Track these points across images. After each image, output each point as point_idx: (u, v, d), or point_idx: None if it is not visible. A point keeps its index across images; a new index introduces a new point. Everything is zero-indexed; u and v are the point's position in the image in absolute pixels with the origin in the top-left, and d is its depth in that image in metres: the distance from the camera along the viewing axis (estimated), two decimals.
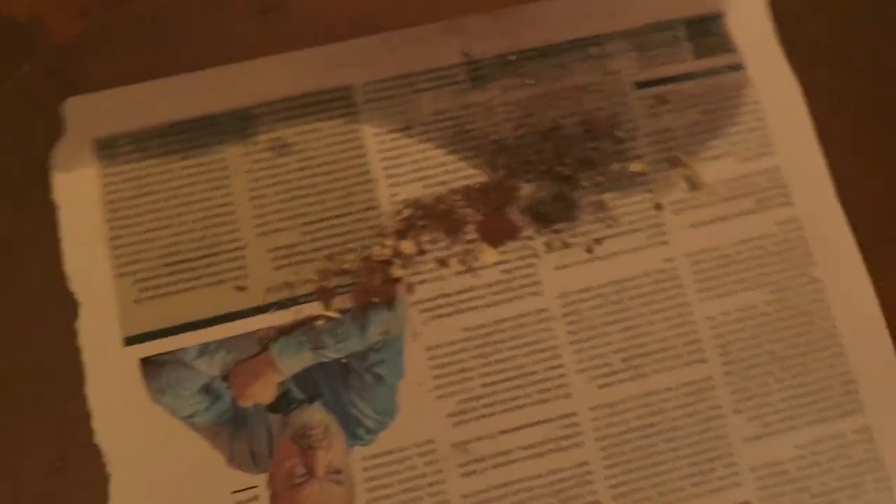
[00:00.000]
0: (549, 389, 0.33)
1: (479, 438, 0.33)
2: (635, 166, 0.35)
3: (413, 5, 0.35)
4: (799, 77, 0.36)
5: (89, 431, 0.32)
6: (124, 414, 0.32)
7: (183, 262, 0.33)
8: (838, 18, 0.37)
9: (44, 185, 0.34)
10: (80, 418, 0.32)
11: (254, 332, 0.33)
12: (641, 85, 0.35)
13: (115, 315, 0.33)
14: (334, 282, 0.33)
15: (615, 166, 0.35)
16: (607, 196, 0.35)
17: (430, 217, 0.34)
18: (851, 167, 0.35)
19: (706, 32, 0.36)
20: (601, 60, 0.36)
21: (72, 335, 0.32)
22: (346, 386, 0.33)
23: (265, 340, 0.33)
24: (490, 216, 0.34)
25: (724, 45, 0.36)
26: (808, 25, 0.37)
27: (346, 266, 0.33)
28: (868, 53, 0.36)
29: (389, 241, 0.34)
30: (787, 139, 0.35)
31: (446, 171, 0.35)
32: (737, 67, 0.36)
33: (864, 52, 0.36)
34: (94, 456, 0.32)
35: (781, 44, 0.36)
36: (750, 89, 0.36)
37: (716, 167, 0.35)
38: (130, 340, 0.32)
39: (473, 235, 0.34)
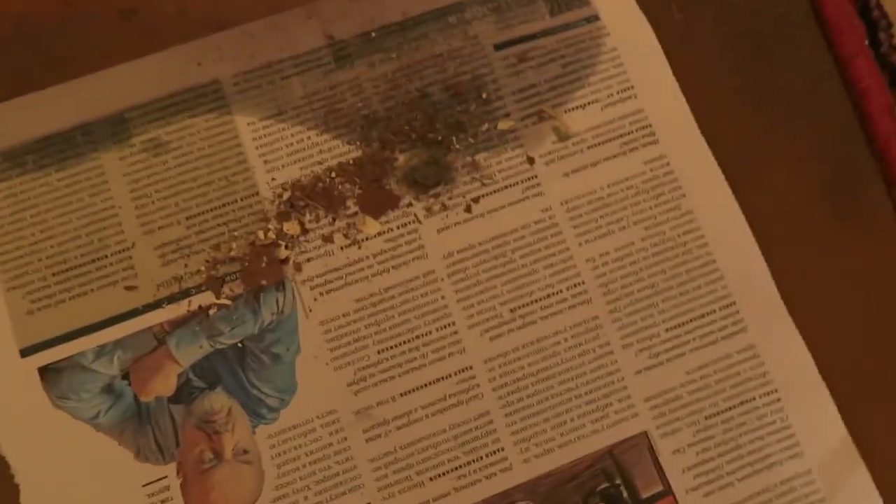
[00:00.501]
0: (443, 348, 0.34)
1: (380, 403, 0.34)
2: (504, 124, 0.36)
3: None
4: (650, 20, 0.38)
5: None
6: (27, 423, 0.32)
7: (71, 269, 0.34)
8: None
9: None
10: None
11: (149, 329, 0.34)
12: (501, 46, 0.37)
13: (8, 328, 0.33)
14: (222, 270, 0.34)
15: (484, 126, 0.36)
16: (480, 156, 0.36)
17: (311, 196, 0.35)
18: (708, 99, 0.37)
19: None
20: (460, 27, 0.37)
21: None
22: (244, 368, 0.34)
23: (161, 335, 0.34)
24: (368, 189, 0.35)
25: None
26: None
27: (233, 253, 0.34)
28: None
29: (273, 225, 0.35)
30: (646, 81, 0.37)
31: (321, 151, 0.36)
32: (592, 19, 0.38)
33: None
34: (1, 468, 0.32)
35: None
36: (606, 38, 0.37)
37: (581, 116, 0.37)
38: (26, 352, 0.33)
39: (354, 209, 0.35)
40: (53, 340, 0.33)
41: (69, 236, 0.34)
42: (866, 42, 0.37)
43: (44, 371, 0.33)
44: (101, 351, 0.33)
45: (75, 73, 0.36)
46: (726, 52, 0.38)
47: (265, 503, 0.32)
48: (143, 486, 0.32)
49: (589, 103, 0.37)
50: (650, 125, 0.37)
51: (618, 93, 0.37)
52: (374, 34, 0.37)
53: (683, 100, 0.37)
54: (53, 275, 0.34)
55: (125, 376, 0.33)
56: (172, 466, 0.33)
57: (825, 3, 0.37)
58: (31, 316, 0.34)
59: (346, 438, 0.33)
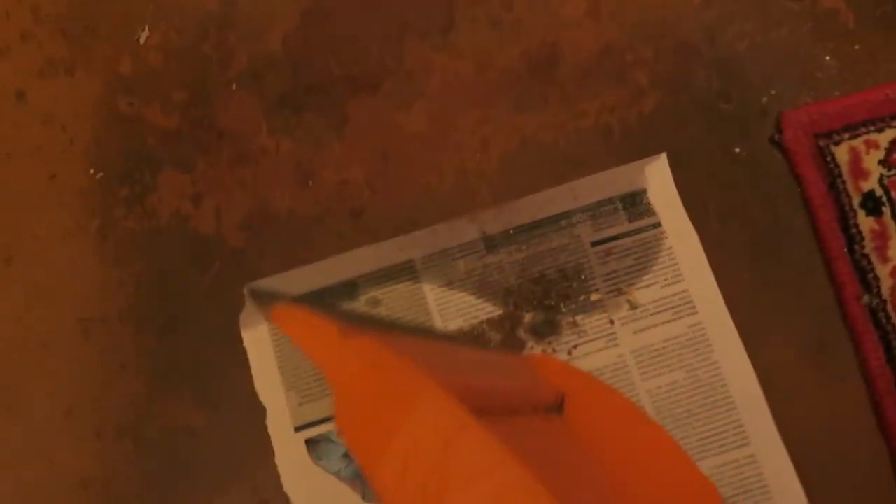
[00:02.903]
0: None
1: None
2: (595, 297, 0.57)
3: (445, 206, 0.58)
4: (696, 227, 0.58)
5: (279, 485, 0.55)
6: (300, 474, 0.56)
7: (322, 379, 0.57)
8: (718, 188, 0.58)
9: (237, 338, 0.58)
10: (273, 477, 0.56)
11: None
12: (595, 243, 0.58)
13: (287, 414, 0.57)
14: None
15: (582, 297, 0.57)
16: (578, 317, 0.57)
17: (469, 340, 0.57)
18: (732, 283, 0.56)
19: (635, 203, 0.58)
20: (568, 229, 0.58)
21: (263, 427, 0.56)
22: None
23: None
24: (506, 336, 0.57)
25: (647, 211, 0.58)
26: (700, 193, 0.58)
27: None
28: (740, 209, 0.58)
29: None
30: (691, 270, 0.57)
31: (477, 309, 0.57)
32: (656, 225, 0.58)
33: (737, 208, 0.58)
34: (284, 499, 0.55)
35: (684, 207, 0.58)
36: (665, 239, 0.58)
37: (646, 293, 0.57)
38: (298, 429, 0.56)
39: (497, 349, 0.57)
40: (314, 423, 0.56)
41: None
42: (845, 250, 0.56)
43: (308, 441, 0.56)
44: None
45: (324, 252, 0.59)
46: (746, 251, 0.57)
47: None
48: None
49: (651, 284, 0.57)
50: (692, 301, 0.57)
51: (671, 277, 0.57)
52: (511, 231, 0.58)
53: (715, 284, 0.57)
54: (314, 381, 0.57)
55: None
56: None
57: (818, 220, 0.57)
58: (300, 407, 0.57)
59: None
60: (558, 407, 0.42)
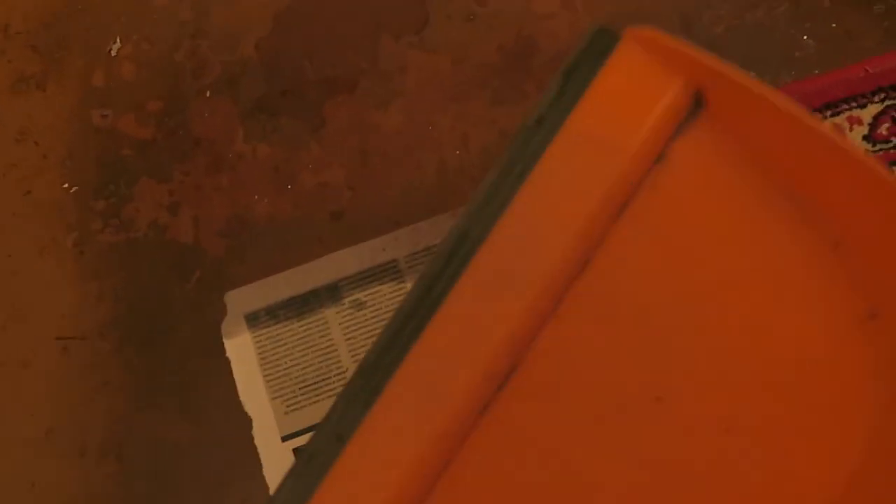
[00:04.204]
0: None
1: None
2: None
3: (428, 204, 0.59)
4: None
5: (267, 497, 0.55)
6: None
7: (309, 386, 0.57)
8: None
9: (220, 348, 0.58)
10: (263, 489, 0.55)
11: None
12: None
13: (274, 423, 0.56)
14: None
15: None
16: None
17: None
18: None
19: None
20: None
21: (249, 438, 0.56)
22: None
23: None
24: None
25: None
26: None
27: None
28: None
29: None
30: None
31: None
32: None
33: None
34: None
35: None
36: None
37: None
38: (285, 438, 0.56)
39: None
40: (301, 431, 0.56)
41: (307, 364, 0.57)
42: None
43: (296, 450, 0.56)
44: None
45: (305, 256, 0.59)
46: None
47: None
48: None
49: None
50: None
51: None
52: None
53: None
54: (300, 389, 0.57)
55: None
56: None
57: None
58: (287, 415, 0.56)
59: None
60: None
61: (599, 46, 0.29)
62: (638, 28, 0.29)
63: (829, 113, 0.59)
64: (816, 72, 0.61)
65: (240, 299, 0.59)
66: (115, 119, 0.63)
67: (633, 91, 0.28)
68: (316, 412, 0.57)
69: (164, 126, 0.63)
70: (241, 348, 0.58)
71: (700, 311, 0.30)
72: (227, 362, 0.58)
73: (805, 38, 0.61)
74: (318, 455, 0.32)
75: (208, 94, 0.64)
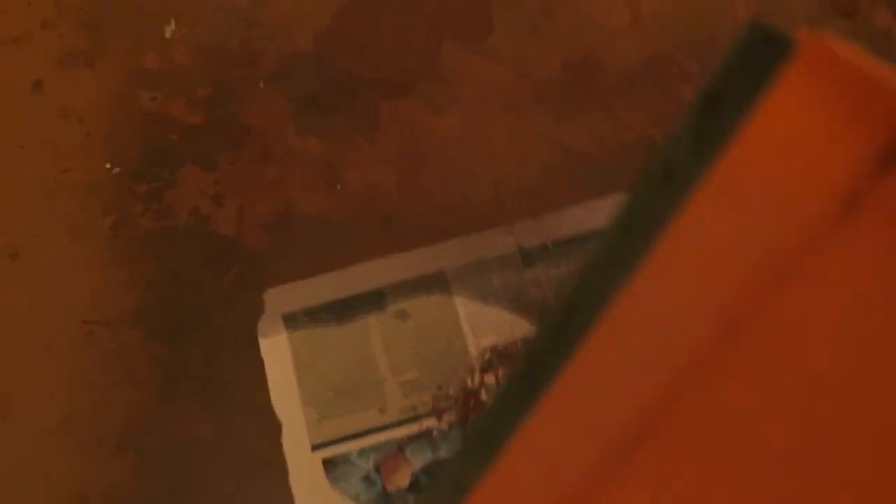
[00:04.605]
0: None
1: None
2: None
3: (479, 217, 0.57)
4: None
5: None
6: (315, 496, 0.53)
7: (345, 393, 0.55)
8: None
9: (253, 346, 0.56)
10: (286, 499, 0.53)
11: (394, 439, 0.54)
12: None
13: (304, 431, 0.54)
14: (443, 404, 0.54)
15: None
16: None
17: (503, 358, 0.55)
18: None
19: None
20: None
21: (278, 445, 0.54)
22: None
23: (401, 444, 0.54)
24: None
25: None
26: None
27: (451, 393, 0.54)
28: None
29: (477, 375, 0.55)
30: None
31: (512, 326, 0.56)
32: None
33: None
34: None
35: None
36: None
37: None
38: (316, 447, 0.54)
39: None
40: (333, 441, 0.54)
41: (345, 371, 0.55)
42: None
43: (326, 462, 0.53)
44: (362, 452, 0.53)
45: (350, 259, 0.57)
46: None
47: None
48: None
49: None
50: None
51: None
52: (550, 245, 0.57)
53: None
54: (334, 396, 0.55)
55: (377, 470, 0.53)
56: None
57: None
58: (319, 423, 0.54)
59: None
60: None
61: (759, 59, 0.20)
62: (819, 36, 0.20)
63: None
64: None
65: (279, 298, 0.57)
66: (164, 102, 0.62)
67: (815, 134, 0.20)
68: (349, 423, 0.55)
69: (214, 113, 0.62)
70: (276, 349, 0.56)
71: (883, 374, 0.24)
72: (259, 362, 0.56)
73: None
74: None
75: (261, 84, 0.62)
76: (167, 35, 0.64)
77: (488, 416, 0.28)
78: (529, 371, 0.27)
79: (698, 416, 0.26)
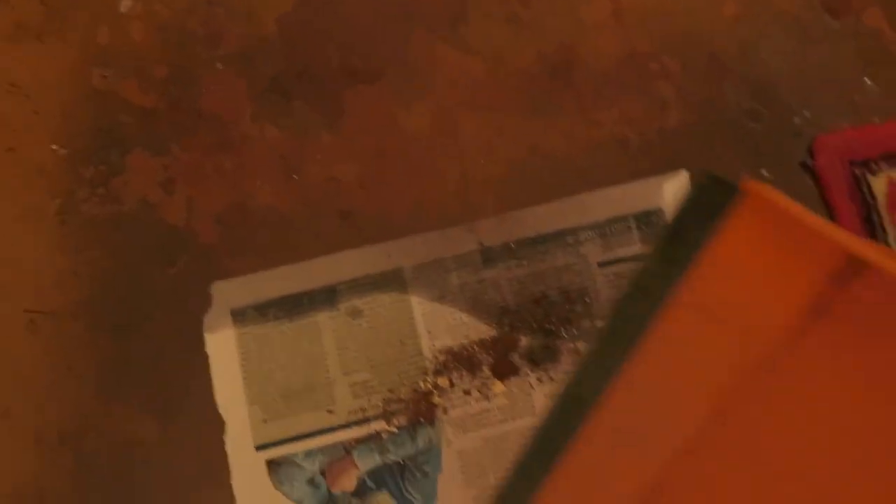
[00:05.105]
0: None
1: None
2: (600, 322, 0.53)
3: (442, 213, 0.55)
4: None
5: None
6: (257, 498, 0.51)
7: (292, 394, 0.53)
8: None
9: (200, 342, 0.54)
10: (228, 501, 0.52)
11: (341, 442, 0.52)
12: (603, 264, 0.54)
13: (248, 430, 0.52)
14: (394, 407, 0.53)
15: (586, 322, 0.53)
16: (581, 344, 0.53)
17: (458, 361, 0.53)
18: None
19: (650, 223, 0.55)
20: (574, 247, 0.55)
21: (221, 443, 0.52)
22: (402, 479, 0.52)
23: (348, 447, 0.52)
24: (498, 360, 0.53)
25: None
26: None
27: (401, 396, 0.53)
28: None
29: (430, 378, 0.53)
30: None
31: (468, 328, 0.54)
32: None
33: None
34: None
35: None
36: None
37: None
38: (260, 448, 0.52)
39: (488, 373, 0.53)
40: (278, 442, 0.52)
41: (293, 370, 0.53)
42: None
43: (270, 462, 0.52)
44: (308, 453, 0.52)
45: (305, 253, 0.55)
46: None
47: None
48: None
49: None
50: None
51: None
52: (512, 245, 0.55)
53: None
54: (281, 396, 0.53)
55: (322, 473, 0.52)
56: None
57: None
58: (264, 423, 0.53)
59: None
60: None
61: (712, 201, 0.26)
62: (758, 185, 0.26)
63: (885, 165, 0.55)
64: (876, 119, 0.57)
65: (228, 292, 0.55)
66: (116, 81, 0.60)
67: (761, 261, 0.26)
68: (295, 424, 0.53)
69: (168, 95, 0.59)
70: (222, 345, 0.55)
71: (863, 452, 0.30)
72: (205, 358, 0.54)
73: (868, 81, 0.58)
74: None
75: (220, 66, 0.60)
76: (122, 10, 0.61)
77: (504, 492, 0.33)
78: (535, 454, 0.31)
79: (691, 488, 0.31)
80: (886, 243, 0.54)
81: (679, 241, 0.27)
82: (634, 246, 0.56)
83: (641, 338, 0.28)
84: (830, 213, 0.56)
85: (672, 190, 0.56)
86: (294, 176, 0.58)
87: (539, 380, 0.53)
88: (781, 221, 0.26)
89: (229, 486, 0.52)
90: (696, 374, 0.29)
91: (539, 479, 0.31)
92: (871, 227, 0.55)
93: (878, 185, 0.55)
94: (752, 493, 0.30)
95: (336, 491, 0.52)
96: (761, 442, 0.30)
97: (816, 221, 0.26)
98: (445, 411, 0.53)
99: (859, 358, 0.28)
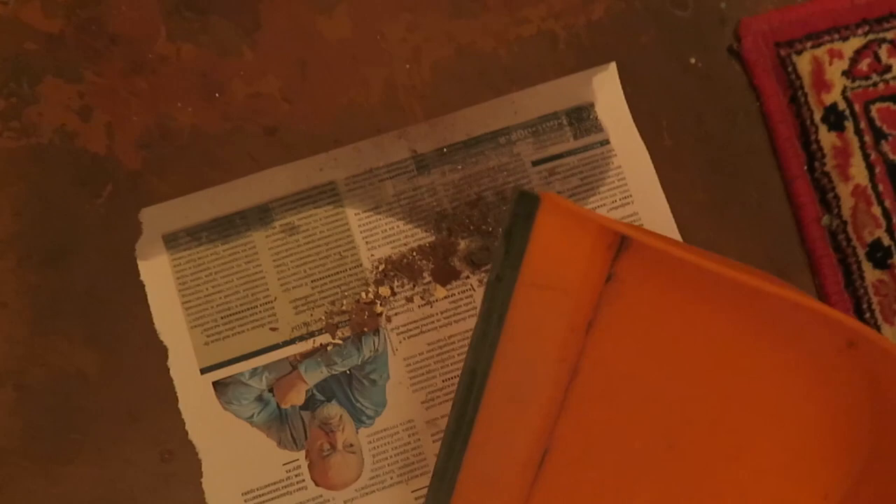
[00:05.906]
0: None
1: (443, 416, 0.52)
2: None
3: (372, 123, 0.55)
4: (647, 145, 0.55)
5: (185, 433, 0.52)
6: (207, 419, 0.52)
7: (233, 314, 0.53)
8: (672, 102, 0.56)
9: (133, 270, 0.53)
10: (178, 425, 0.52)
11: (286, 358, 0.53)
12: (537, 162, 0.55)
13: (192, 354, 0.53)
14: (337, 319, 0.53)
15: None
16: None
17: (398, 269, 0.54)
18: (686, 205, 0.55)
19: (581, 119, 0.56)
20: (507, 147, 0.55)
21: (165, 370, 0.53)
22: (351, 389, 0.53)
23: (294, 363, 0.53)
24: (438, 265, 0.54)
25: (594, 127, 0.56)
26: (652, 108, 0.56)
27: (344, 308, 0.53)
28: (696, 124, 0.55)
29: (371, 288, 0.53)
30: (641, 191, 0.55)
31: (406, 236, 0.54)
32: (604, 143, 0.55)
33: (692, 123, 0.55)
34: (190, 449, 0.52)
35: (635, 123, 0.55)
36: (613, 158, 0.55)
37: None
38: (204, 370, 0.53)
39: (429, 279, 0.54)
40: (222, 363, 0.53)
41: (231, 291, 0.53)
42: (805, 168, 0.54)
43: (216, 384, 0.52)
44: (253, 372, 0.52)
45: (234, 173, 0.54)
46: (700, 170, 0.55)
47: (364, 481, 0.52)
48: (283, 465, 0.52)
49: (598, 206, 0.55)
50: (642, 224, 0.54)
51: (620, 199, 0.55)
52: (445, 150, 0.55)
53: (668, 206, 0.55)
54: (222, 318, 0.53)
55: (270, 390, 0.52)
56: (302, 453, 0.52)
57: (777, 136, 0.55)
58: (207, 346, 0.53)
59: (419, 440, 0.52)
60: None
61: (526, 208, 0.37)
62: (549, 195, 0.37)
63: (809, 44, 0.56)
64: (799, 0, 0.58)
65: (157, 217, 0.55)
66: (17, 6, 0.57)
67: (564, 243, 0.37)
68: (238, 344, 0.53)
69: (75, 19, 0.57)
70: (157, 271, 0.54)
71: (686, 371, 0.42)
72: (142, 286, 0.54)
73: None
74: None
75: None
76: None
77: (439, 460, 0.42)
78: (458, 419, 0.41)
79: (577, 431, 0.42)
80: (812, 122, 0.55)
81: (513, 237, 0.37)
82: (567, 143, 0.56)
83: (506, 313, 0.38)
84: (758, 96, 0.57)
85: (601, 83, 0.56)
86: (216, 94, 0.56)
87: (480, 281, 0.54)
88: (570, 215, 0.37)
89: (176, 411, 0.53)
90: (545, 333, 0.39)
91: (467, 435, 0.41)
92: (798, 107, 0.56)
93: (803, 64, 0.56)
94: (620, 425, 0.42)
95: (285, 406, 0.53)
96: (609, 388, 0.42)
97: (591, 212, 0.38)
98: (389, 320, 0.54)
99: (641, 309, 0.40)
